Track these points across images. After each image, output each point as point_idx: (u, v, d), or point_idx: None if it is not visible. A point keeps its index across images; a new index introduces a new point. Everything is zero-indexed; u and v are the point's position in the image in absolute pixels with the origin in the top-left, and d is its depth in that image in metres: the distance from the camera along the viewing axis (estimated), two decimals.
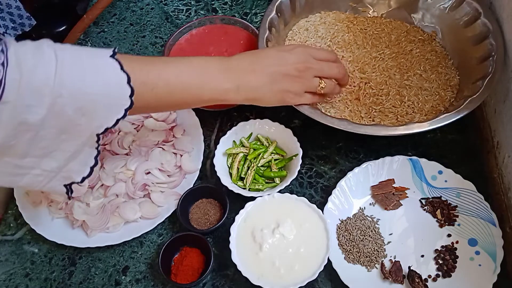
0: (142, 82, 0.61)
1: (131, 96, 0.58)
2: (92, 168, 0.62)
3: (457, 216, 0.77)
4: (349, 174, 0.79)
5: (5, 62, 0.50)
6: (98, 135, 0.59)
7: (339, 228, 0.77)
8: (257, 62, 0.72)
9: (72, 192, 0.64)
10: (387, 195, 0.79)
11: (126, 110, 0.58)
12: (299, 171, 0.79)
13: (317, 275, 0.69)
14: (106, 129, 0.58)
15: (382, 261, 0.74)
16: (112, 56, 0.58)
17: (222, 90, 0.69)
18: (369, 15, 0.98)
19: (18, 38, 1.09)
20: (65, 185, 0.62)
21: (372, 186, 0.80)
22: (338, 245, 0.75)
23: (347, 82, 0.81)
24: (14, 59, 0.51)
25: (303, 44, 0.86)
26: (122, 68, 0.58)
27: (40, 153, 0.57)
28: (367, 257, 0.74)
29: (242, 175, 0.81)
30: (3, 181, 0.59)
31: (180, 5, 1.09)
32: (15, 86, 0.50)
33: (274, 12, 0.88)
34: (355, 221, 0.77)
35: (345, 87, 0.83)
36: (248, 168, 0.81)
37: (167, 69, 0.65)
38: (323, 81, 0.75)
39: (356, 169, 0.80)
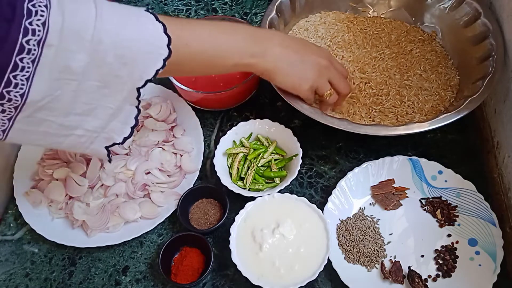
0: (177, 35, 0.60)
1: (168, 45, 0.58)
2: (132, 129, 0.63)
3: (457, 216, 0.77)
4: (349, 174, 0.79)
5: (48, 4, 0.50)
6: (138, 90, 0.59)
7: (339, 228, 0.77)
8: (290, 40, 0.74)
9: (110, 156, 0.65)
10: (387, 195, 0.79)
11: (164, 61, 0.58)
12: (299, 171, 0.79)
13: (317, 275, 0.69)
14: (146, 82, 0.59)
15: (382, 261, 0.74)
16: (147, 10, 0.59)
17: (250, 53, 0.69)
18: (369, 15, 0.98)
19: None
20: (106, 148, 0.63)
21: (372, 186, 0.80)
22: (338, 245, 0.75)
23: (343, 100, 0.82)
24: (56, 1, 0.51)
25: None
26: (157, 19, 0.58)
27: (83, 110, 0.57)
28: (367, 257, 0.74)
29: (242, 175, 0.82)
30: (47, 141, 0.59)
31: (180, 5, 1.09)
32: (58, 29, 0.50)
33: (274, 12, 0.88)
34: (355, 221, 0.77)
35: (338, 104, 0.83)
36: (248, 168, 0.81)
37: (200, 27, 0.66)
38: (331, 90, 0.76)
39: (356, 169, 0.80)
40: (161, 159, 0.82)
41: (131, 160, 0.81)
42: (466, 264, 0.73)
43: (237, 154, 0.83)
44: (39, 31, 0.49)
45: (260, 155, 0.82)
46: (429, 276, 0.73)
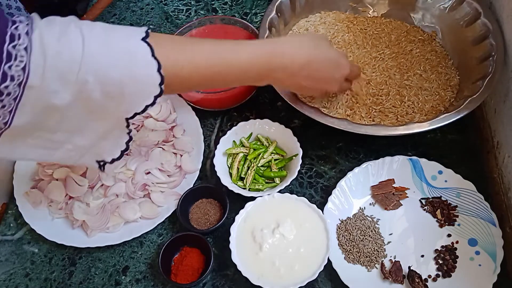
0: (171, 67, 0.58)
1: (160, 84, 0.56)
2: (122, 152, 0.62)
3: (457, 216, 0.77)
4: (349, 174, 0.79)
5: (29, 47, 0.49)
6: (127, 119, 0.58)
7: (339, 228, 0.77)
8: (314, 68, 0.70)
9: (104, 168, 0.64)
10: (387, 195, 0.79)
11: (155, 97, 0.57)
12: (299, 171, 0.79)
13: (317, 275, 0.69)
14: (135, 114, 0.57)
15: (382, 261, 0.74)
16: (145, 38, 0.55)
17: (260, 52, 0.65)
18: (369, 15, 0.98)
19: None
20: (97, 161, 0.63)
21: (372, 186, 0.80)
22: (338, 245, 0.75)
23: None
24: (38, 43, 0.50)
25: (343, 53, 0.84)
26: (153, 55, 0.55)
27: (70, 130, 0.57)
28: (367, 257, 0.74)
29: (242, 175, 0.81)
30: (38, 154, 0.58)
31: (180, 5, 1.09)
32: (40, 72, 0.50)
33: (274, 12, 0.89)
34: (355, 221, 0.77)
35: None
36: (248, 168, 0.81)
37: (201, 47, 0.63)
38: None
39: (356, 169, 0.80)
40: (161, 159, 0.82)
41: (131, 160, 0.81)
42: (466, 264, 0.73)
43: (237, 154, 0.83)
44: (19, 75, 0.49)
45: (260, 155, 0.82)
46: (429, 276, 0.73)
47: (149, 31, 0.57)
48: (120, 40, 0.55)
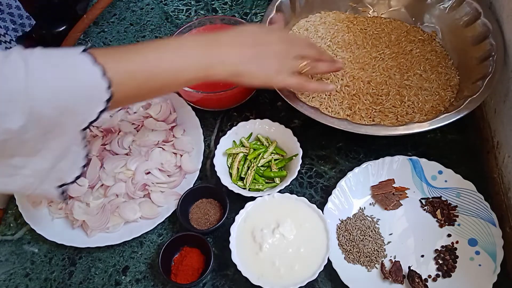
0: (119, 71, 0.59)
1: (109, 88, 0.57)
2: (82, 168, 0.62)
3: (457, 216, 0.77)
4: (349, 174, 0.79)
5: None
6: (83, 132, 0.58)
7: (339, 228, 0.77)
8: (239, 37, 0.70)
9: (66, 196, 0.63)
10: (387, 195, 0.79)
11: (106, 102, 0.57)
12: (299, 171, 0.79)
13: (317, 275, 0.69)
14: (91, 123, 0.58)
15: (382, 261, 0.74)
16: (84, 51, 0.57)
17: (205, 65, 0.66)
18: (369, 15, 0.98)
19: (19, 39, 1.09)
20: (59, 188, 0.61)
21: (372, 186, 0.80)
22: (338, 245, 0.75)
23: (329, 58, 0.80)
24: None
25: (280, 28, 0.83)
26: (95, 62, 0.56)
27: (28, 152, 0.56)
28: (367, 257, 0.74)
29: (242, 175, 0.81)
30: None
31: (180, 5, 1.09)
32: None
33: (274, 12, 0.88)
34: (355, 221, 0.77)
35: (334, 67, 0.81)
36: (248, 168, 0.81)
37: (144, 54, 0.63)
38: (304, 61, 0.73)
39: (356, 169, 0.80)
40: (161, 159, 0.82)
41: (131, 160, 0.81)
42: (466, 264, 0.73)
43: (237, 154, 0.83)
44: None
45: (260, 155, 0.82)
46: (429, 276, 0.73)
47: (88, 46, 0.58)
48: (61, 55, 0.56)
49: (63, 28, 1.30)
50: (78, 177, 0.62)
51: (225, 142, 0.83)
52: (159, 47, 0.65)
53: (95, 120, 0.58)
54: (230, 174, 0.82)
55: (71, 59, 0.56)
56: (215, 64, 0.67)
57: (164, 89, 0.69)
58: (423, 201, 0.79)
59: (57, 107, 0.54)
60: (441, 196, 0.79)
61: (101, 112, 0.58)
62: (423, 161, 0.79)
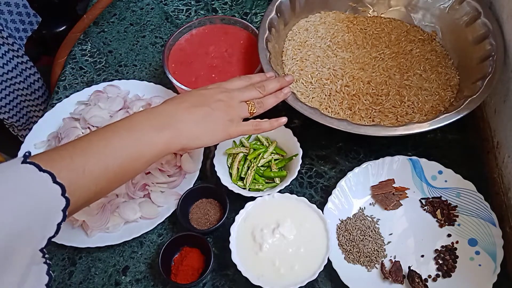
0: (68, 170, 0.55)
1: (63, 194, 0.53)
2: (48, 285, 0.53)
3: (457, 216, 0.77)
4: (349, 174, 0.79)
5: None
6: (42, 250, 0.52)
7: (339, 228, 0.77)
8: (183, 102, 0.69)
9: None
10: (387, 195, 0.79)
11: (64, 211, 0.53)
12: (299, 171, 0.79)
13: (317, 275, 0.69)
14: (50, 240, 0.53)
15: (382, 261, 0.74)
16: (24, 161, 0.52)
17: (162, 144, 0.64)
18: (369, 15, 0.98)
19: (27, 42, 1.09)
20: None
21: (372, 186, 0.80)
22: (338, 245, 0.75)
23: (274, 86, 0.77)
24: None
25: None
26: (41, 169, 0.52)
27: None
28: (367, 257, 0.74)
29: (242, 175, 0.82)
30: None
31: (180, 5, 1.09)
32: None
33: (274, 12, 0.89)
34: (355, 221, 0.77)
35: (281, 95, 0.77)
36: (248, 168, 0.81)
37: (94, 146, 0.60)
38: (250, 103, 0.73)
39: (356, 169, 0.80)
40: (161, 159, 0.82)
41: None
42: (466, 264, 0.73)
43: (237, 154, 0.83)
44: None
45: (260, 155, 0.82)
46: (429, 276, 0.73)
47: (27, 154, 0.53)
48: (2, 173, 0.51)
49: (63, 28, 1.31)
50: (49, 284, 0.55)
51: (225, 142, 0.83)
52: (108, 134, 0.62)
53: (55, 235, 0.53)
54: (230, 174, 0.82)
55: (12, 174, 0.51)
56: (172, 136, 0.65)
57: (124, 177, 0.64)
58: (423, 201, 0.79)
59: (9, 233, 0.48)
60: (441, 196, 0.79)
61: (60, 223, 0.53)
62: (423, 161, 0.79)
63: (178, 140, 0.66)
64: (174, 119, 0.66)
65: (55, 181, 0.52)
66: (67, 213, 0.54)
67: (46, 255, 0.54)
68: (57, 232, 0.53)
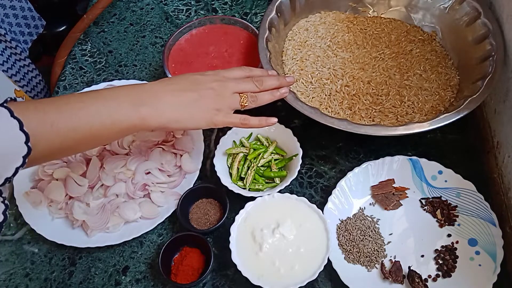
0: (38, 124, 0.57)
1: (26, 142, 0.54)
2: (1, 224, 0.57)
3: (457, 216, 0.77)
4: (349, 174, 0.79)
5: None
6: None
7: (339, 228, 0.77)
8: (172, 84, 0.69)
9: None
10: (387, 195, 0.79)
11: (24, 157, 0.55)
12: (299, 171, 0.79)
13: (317, 275, 0.69)
14: (6, 180, 0.55)
15: (382, 261, 0.74)
16: (1, 105, 0.54)
17: (139, 116, 0.64)
18: (369, 15, 0.98)
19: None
20: None
21: (372, 186, 0.80)
22: (338, 245, 0.75)
23: (272, 84, 0.76)
24: None
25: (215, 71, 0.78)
26: (12, 115, 0.54)
27: None
28: (367, 257, 0.74)
29: (242, 175, 0.81)
30: None
31: (180, 5, 1.09)
32: None
33: (274, 12, 0.88)
34: (355, 221, 0.77)
35: (277, 94, 0.76)
36: (248, 168, 0.81)
37: (69, 105, 0.61)
38: (244, 96, 0.72)
39: (356, 169, 0.80)
40: (161, 159, 0.82)
41: (131, 160, 0.81)
42: (466, 264, 0.73)
43: (237, 154, 0.83)
44: None
45: (260, 155, 0.82)
46: (429, 276, 0.73)
47: (8, 99, 0.56)
48: None
49: (63, 28, 1.31)
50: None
51: (225, 142, 0.83)
52: (87, 99, 0.63)
53: (12, 176, 0.55)
54: (230, 174, 0.82)
55: None
56: (150, 114, 0.65)
57: (94, 142, 0.65)
58: (423, 201, 0.79)
59: None
60: (441, 196, 0.79)
61: (18, 168, 0.55)
62: (423, 161, 0.79)
63: (155, 119, 0.66)
64: (155, 98, 0.66)
65: (21, 129, 0.54)
66: (27, 161, 0.56)
67: (4, 195, 0.58)
68: (14, 174, 0.55)
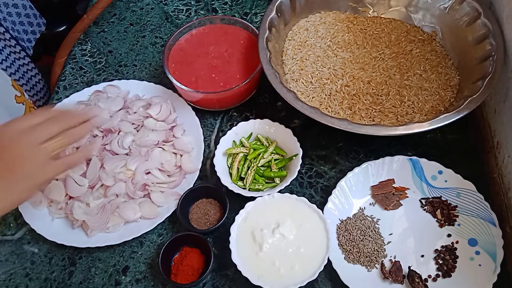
0: None
1: None
2: None
3: (457, 216, 0.77)
4: (349, 174, 0.79)
5: None
6: None
7: (339, 228, 0.77)
8: None
9: None
10: (387, 195, 0.79)
11: None
12: (299, 171, 0.79)
13: (317, 275, 0.69)
14: None
15: (382, 261, 0.74)
16: None
17: None
18: (369, 15, 0.98)
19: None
20: None
21: (372, 186, 0.80)
22: (338, 245, 0.75)
23: (80, 119, 0.67)
24: None
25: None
26: None
27: None
28: (367, 257, 0.74)
29: (242, 175, 0.81)
30: None
31: (180, 5, 1.09)
32: None
33: (274, 12, 0.89)
34: (355, 221, 0.77)
35: (86, 127, 0.68)
36: (248, 168, 0.81)
37: None
38: (53, 141, 0.62)
39: (356, 169, 0.80)
40: (161, 159, 0.82)
41: (131, 160, 0.81)
42: (466, 264, 0.73)
43: (237, 154, 0.83)
44: None
45: (260, 155, 0.82)
46: (429, 276, 0.73)
47: None
48: None
49: (63, 28, 1.31)
50: None
51: (225, 142, 0.83)
52: None
53: None
54: (230, 174, 0.82)
55: None
56: None
57: None
58: (423, 201, 0.79)
59: None
60: (441, 196, 0.79)
61: None
62: (423, 161, 0.79)
63: None
64: None
65: None
66: None
67: None
68: None
